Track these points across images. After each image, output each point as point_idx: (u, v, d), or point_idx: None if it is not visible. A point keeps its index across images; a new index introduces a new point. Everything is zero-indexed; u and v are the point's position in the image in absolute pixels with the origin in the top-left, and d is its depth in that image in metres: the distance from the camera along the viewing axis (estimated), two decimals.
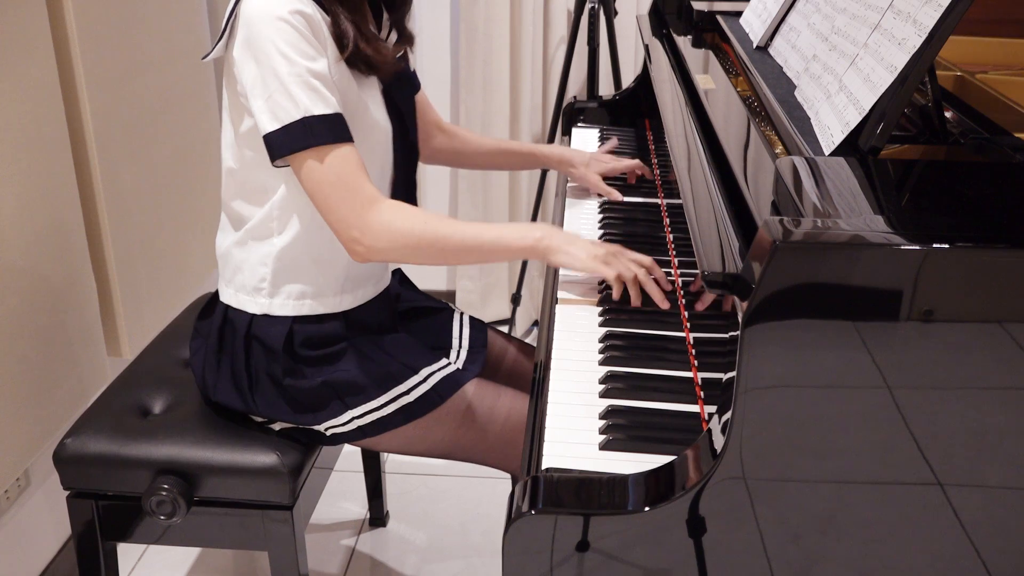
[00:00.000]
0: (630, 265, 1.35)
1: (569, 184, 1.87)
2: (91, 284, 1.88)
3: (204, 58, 1.41)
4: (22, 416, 1.68)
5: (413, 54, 1.57)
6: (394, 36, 1.51)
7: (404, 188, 1.53)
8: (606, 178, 1.81)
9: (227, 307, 1.48)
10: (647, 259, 1.38)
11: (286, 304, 1.45)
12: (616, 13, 2.61)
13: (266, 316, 1.45)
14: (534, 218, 2.78)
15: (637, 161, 1.84)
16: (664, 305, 1.34)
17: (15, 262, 1.65)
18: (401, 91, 1.49)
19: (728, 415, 0.93)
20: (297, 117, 1.28)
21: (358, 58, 1.37)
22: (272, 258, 1.44)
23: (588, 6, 2.52)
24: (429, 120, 1.74)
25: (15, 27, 1.63)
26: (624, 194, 1.80)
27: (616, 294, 1.35)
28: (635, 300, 1.35)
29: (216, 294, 1.53)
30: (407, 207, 1.36)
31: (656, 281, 1.36)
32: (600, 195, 1.80)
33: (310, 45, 1.29)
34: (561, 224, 1.70)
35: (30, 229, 1.68)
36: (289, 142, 1.29)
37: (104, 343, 1.93)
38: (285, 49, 1.28)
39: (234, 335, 1.47)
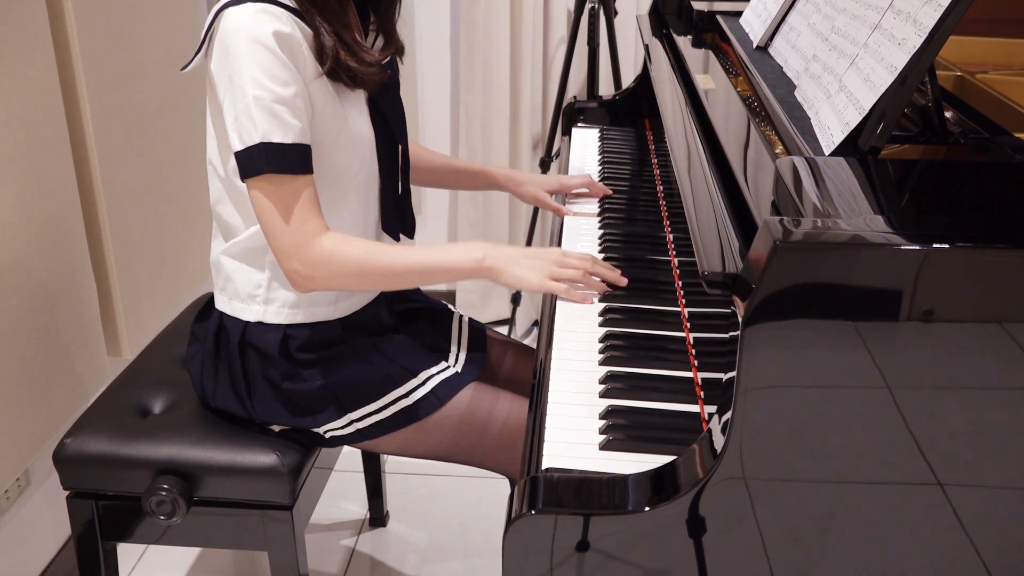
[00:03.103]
0: (573, 270, 1.38)
1: None
2: (91, 284, 1.88)
3: (183, 69, 1.40)
4: (22, 416, 1.68)
5: (403, 63, 1.56)
6: (380, 42, 1.49)
7: (393, 196, 1.52)
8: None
9: (222, 314, 1.48)
10: (587, 256, 1.42)
11: (280, 312, 1.45)
12: (616, 13, 2.61)
13: (260, 323, 1.45)
14: (534, 219, 2.78)
15: (587, 177, 1.79)
16: (620, 282, 1.41)
17: (15, 262, 1.65)
18: (386, 97, 1.48)
19: (728, 415, 0.93)
20: (256, 141, 1.28)
21: (340, 71, 1.35)
22: (266, 269, 1.44)
23: (588, 6, 2.52)
24: None
25: (15, 27, 1.63)
26: (624, 194, 1.79)
27: (577, 297, 1.38)
28: (598, 287, 1.40)
29: (212, 297, 1.53)
30: (349, 238, 1.36)
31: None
32: (598, 199, 1.80)
33: (284, 69, 1.28)
34: (561, 225, 1.70)
35: (30, 229, 1.68)
36: (249, 164, 1.30)
37: (104, 343, 1.93)
38: (256, 72, 1.27)
39: (229, 342, 1.47)
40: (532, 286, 1.37)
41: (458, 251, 1.38)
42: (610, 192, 1.79)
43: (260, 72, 1.27)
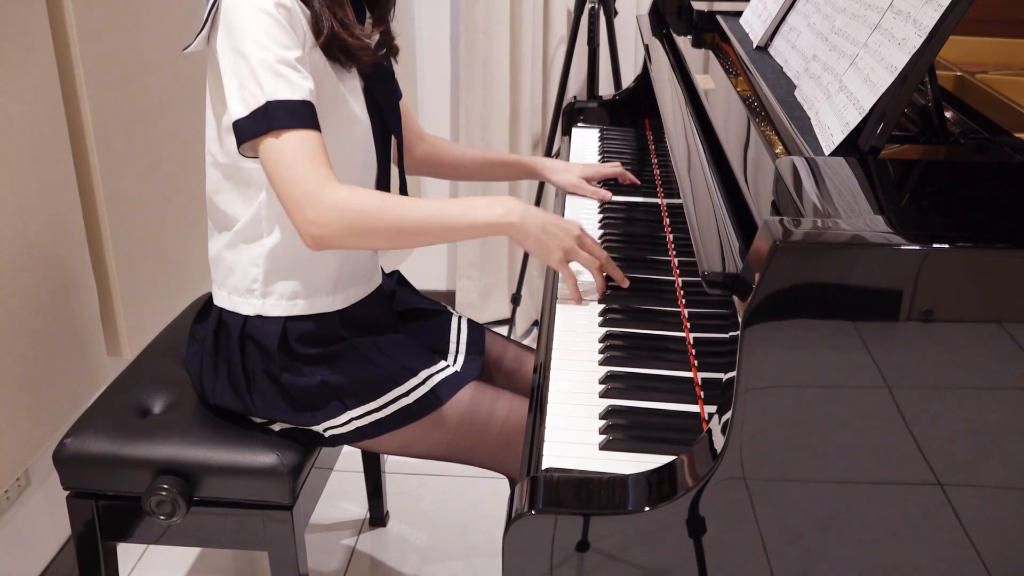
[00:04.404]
0: (588, 256, 1.39)
1: None
2: (91, 284, 1.88)
3: (185, 49, 1.41)
4: (22, 416, 1.68)
5: (397, 63, 1.58)
6: (377, 37, 1.51)
7: (386, 184, 1.53)
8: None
9: (221, 310, 1.48)
10: (603, 255, 1.42)
11: (279, 304, 1.45)
12: (616, 13, 2.61)
13: (259, 317, 1.45)
14: None
15: (617, 165, 1.84)
16: (623, 283, 1.42)
17: (15, 262, 1.65)
18: (383, 88, 1.50)
19: (728, 415, 0.93)
20: (262, 102, 1.29)
21: (335, 45, 1.37)
22: (262, 258, 1.44)
23: (588, 6, 2.52)
24: (410, 130, 1.74)
25: (15, 27, 1.63)
26: (624, 194, 1.80)
27: (577, 296, 1.40)
28: (600, 287, 1.41)
29: (211, 297, 1.53)
30: (364, 189, 1.34)
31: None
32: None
33: (287, 35, 1.30)
34: None
35: (30, 229, 1.68)
36: (253, 126, 1.29)
37: (104, 343, 1.93)
38: (260, 37, 1.29)
39: (229, 337, 1.47)
40: (551, 261, 1.37)
41: (481, 206, 1.34)
42: (638, 182, 1.84)
43: (264, 36, 1.29)
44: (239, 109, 1.30)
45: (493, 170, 1.85)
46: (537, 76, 2.83)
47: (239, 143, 1.32)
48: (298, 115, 1.30)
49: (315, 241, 1.30)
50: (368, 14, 1.51)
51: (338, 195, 1.29)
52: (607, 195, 1.78)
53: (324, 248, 1.31)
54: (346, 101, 1.41)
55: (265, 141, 1.30)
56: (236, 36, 1.30)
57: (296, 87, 1.30)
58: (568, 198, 1.80)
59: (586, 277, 1.43)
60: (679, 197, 1.41)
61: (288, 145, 1.29)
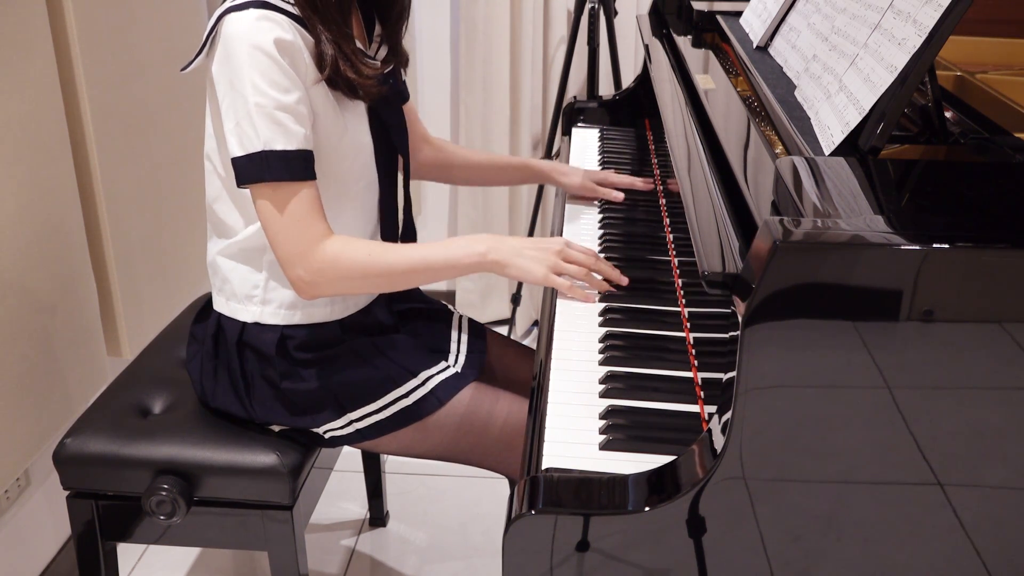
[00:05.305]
0: (576, 266, 1.38)
1: None
2: (91, 284, 1.88)
3: (183, 70, 1.39)
4: (22, 416, 1.68)
5: (406, 74, 1.56)
6: (384, 51, 1.49)
7: (390, 203, 1.52)
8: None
9: (220, 315, 1.48)
10: (591, 252, 1.42)
11: (277, 313, 1.45)
12: (616, 13, 2.61)
13: (257, 324, 1.45)
14: (534, 219, 2.78)
15: (632, 178, 1.79)
16: (621, 281, 1.41)
17: (15, 262, 1.65)
18: (388, 105, 1.48)
19: (728, 415, 0.93)
20: (258, 149, 1.28)
21: (339, 80, 1.35)
22: (263, 270, 1.44)
23: (588, 6, 2.52)
24: (416, 133, 1.71)
25: (15, 27, 1.63)
26: (624, 194, 1.79)
27: (580, 296, 1.39)
28: (600, 286, 1.41)
29: (211, 299, 1.53)
30: (353, 241, 1.35)
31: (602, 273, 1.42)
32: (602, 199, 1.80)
33: (285, 76, 1.28)
34: (561, 224, 1.70)
35: (30, 229, 1.68)
36: (249, 171, 1.29)
37: (104, 343, 1.93)
38: (257, 79, 1.26)
39: (227, 342, 1.47)
40: (536, 279, 1.36)
41: (460, 246, 1.37)
42: (651, 187, 1.80)
43: (261, 79, 1.27)
44: (236, 148, 1.29)
45: (500, 174, 1.83)
46: (537, 76, 2.83)
47: (238, 183, 1.31)
48: (293, 167, 1.29)
49: (306, 295, 1.35)
50: (378, 27, 1.50)
51: (328, 252, 1.32)
52: (618, 196, 1.75)
53: (315, 298, 1.38)
54: (348, 132, 1.39)
55: (260, 191, 1.30)
56: (234, 72, 1.27)
57: (292, 135, 1.28)
58: (567, 202, 1.80)
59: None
60: (679, 197, 1.41)
61: (282, 201, 1.30)
